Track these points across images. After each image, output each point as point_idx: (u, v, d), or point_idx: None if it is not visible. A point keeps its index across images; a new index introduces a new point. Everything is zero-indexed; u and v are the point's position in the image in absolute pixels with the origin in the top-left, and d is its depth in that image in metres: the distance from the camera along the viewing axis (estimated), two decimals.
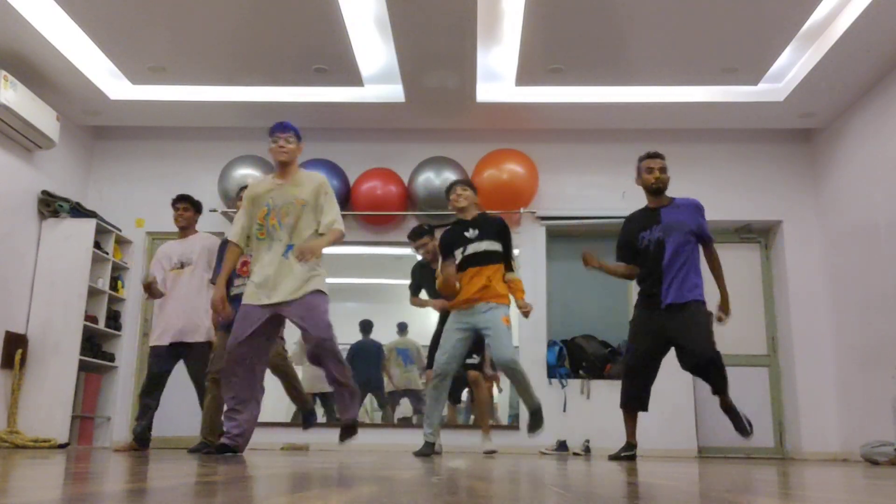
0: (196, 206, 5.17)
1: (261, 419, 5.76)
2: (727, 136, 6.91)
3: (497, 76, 6.23)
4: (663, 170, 4.39)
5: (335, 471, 2.27)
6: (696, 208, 4.37)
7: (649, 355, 4.31)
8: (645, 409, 4.39)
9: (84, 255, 6.22)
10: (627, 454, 4.36)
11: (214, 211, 6.76)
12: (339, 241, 4.03)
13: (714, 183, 6.80)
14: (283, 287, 3.88)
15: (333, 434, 6.65)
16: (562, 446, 6.12)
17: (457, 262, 4.57)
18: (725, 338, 6.51)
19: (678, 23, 5.24)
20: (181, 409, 6.64)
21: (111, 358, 6.62)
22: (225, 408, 4.06)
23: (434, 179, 6.51)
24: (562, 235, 6.99)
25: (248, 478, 1.83)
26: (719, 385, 4.19)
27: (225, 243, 4.66)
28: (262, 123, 6.91)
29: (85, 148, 7.02)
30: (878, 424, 5.54)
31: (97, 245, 6.40)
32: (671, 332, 4.20)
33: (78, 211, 6.43)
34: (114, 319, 6.68)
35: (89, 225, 6.33)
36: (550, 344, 6.64)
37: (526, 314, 4.60)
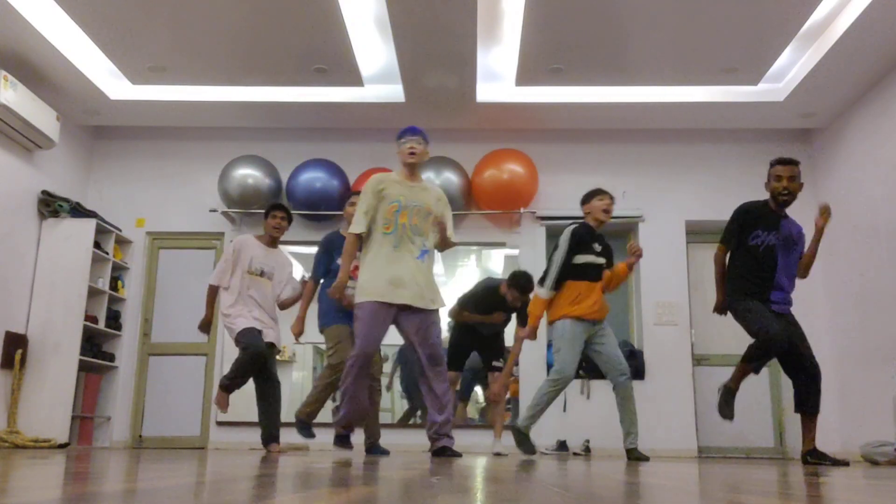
0: (290, 218, 5.16)
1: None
2: (727, 136, 6.92)
3: (497, 76, 6.23)
4: (794, 178, 4.19)
5: (335, 471, 2.27)
6: (802, 232, 4.34)
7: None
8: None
9: (84, 255, 6.22)
10: (836, 461, 4.15)
11: (214, 211, 6.76)
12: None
13: (714, 183, 6.80)
14: (415, 291, 3.88)
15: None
16: (562, 446, 6.11)
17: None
18: (725, 338, 6.56)
19: (678, 23, 5.24)
20: (181, 410, 6.66)
21: (111, 358, 6.62)
22: (344, 404, 4.02)
23: (434, 179, 6.51)
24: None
25: (247, 478, 1.83)
26: (816, 403, 4.10)
27: (330, 239, 4.79)
28: (262, 123, 6.93)
29: (85, 148, 7.02)
30: (878, 424, 5.54)
31: (97, 245, 6.40)
32: (790, 335, 4.11)
33: (78, 211, 6.43)
34: (114, 319, 6.68)
35: (89, 225, 6.33)
36: (550, 344, 6.63)
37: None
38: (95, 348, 6.45)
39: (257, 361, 4.80)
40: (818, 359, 6.53)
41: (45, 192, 6.31)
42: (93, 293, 6.32)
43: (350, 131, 7.01)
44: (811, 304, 6.58)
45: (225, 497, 1.25)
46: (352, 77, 6.10)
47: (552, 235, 6.91)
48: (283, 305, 5.09)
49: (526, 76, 6.04)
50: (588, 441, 6.21)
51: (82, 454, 4.13)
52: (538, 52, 5.67)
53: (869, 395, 5.83)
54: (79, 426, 6.31)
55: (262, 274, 4.99)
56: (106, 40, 5.63)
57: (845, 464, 4.13)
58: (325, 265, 4.80)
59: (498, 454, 5.16)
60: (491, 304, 5.11)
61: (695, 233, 6.85)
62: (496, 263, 7.70)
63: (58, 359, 6.01)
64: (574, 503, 1.28)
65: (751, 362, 4.10)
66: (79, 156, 6.92)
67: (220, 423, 6.50)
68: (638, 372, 6.44)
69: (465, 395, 6.39)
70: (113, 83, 6.31)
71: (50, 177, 6.43)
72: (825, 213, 4.19)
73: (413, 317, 3.90)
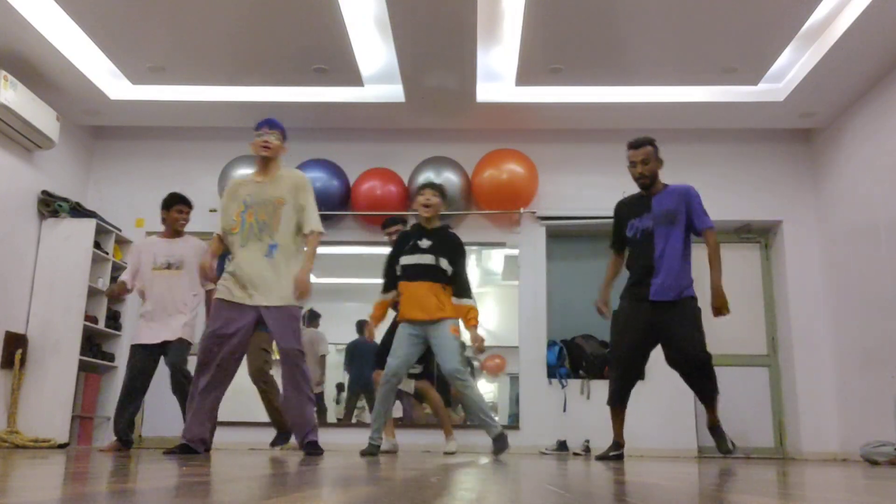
0: (190, 210, 5.17)
1: (259, 419, 5.78)
2: (727, 136, 6.91)
3: (497, 76, 6.23)
4: (646, 161, 4.15)
5: (334, 471, 2.27)
6: (686, 193, 4.14)
7: (637, 350, 4.13)
8: (624, 405, 4.30)
9: (84, 255, 6.22)
10: (616, 454, 4.25)
11: (214, 211, 6.76)
12: (317, 244, 4.06)
13: (714, 183, 6.80)
14: (266, 291, 3.90)
15: (333, 434, 6.66)
16: (562, 446, 6.12)
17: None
18: (725, 337, 6.56)
19: (678, 23, 5.24)
20: (181, 410, 6.64)
21: (111, 358, 6.62)
22: (194, 403, 3.98)
23: (434, 179, 6.51)
24: (562, 235, 6.99)
25: (248, 478, 1.83)
26: (706, 391, 4.03)
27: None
28: None
29: (85, 148, 7.02)
30: (878, 424, 5.54)
31: (97, 245, 6.40)
32: (659, 328, 4.03)
33: (78, 211, 6.43)
34: (114, 319, 6.68)
35: (89, 225, 6.33)
36: (550, 344, 6.64)
37: (479, 348, 4.51)
38: (95, 348, 6.45)
39: (135, 382, 4.84)
40: (819, 359, 6.56)
41: (45, 192, 6.31)
42: (93, 293, 6.32)
43: (350, 131, 7.01)
44: (811, 304, 6.58)
45: (225, 497, 1.25)
46: (352, 77, 6.10)
47: (552, 235, 6.92)
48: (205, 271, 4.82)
49: (526, 76, 6.04)
50: (588, 441, 6.21)
51: (82, 454, 4.13)
52: (538, 52, 5.67)
53: (869, 396, 5.82)
54: (79, 426, 6.31)
55: (169, 266, 4.91)
56: (106, 40, 5.63)
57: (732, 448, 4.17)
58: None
59: (448, 453, 5.13)
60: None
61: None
62: (496, 263, 7.70)
63: (58, 359, 6.01)
64: (574, 503, 1.28)
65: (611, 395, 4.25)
66: (79, 156, 6.92)
67: (219, 424, 6.48)
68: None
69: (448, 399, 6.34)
70: (113, 83, 6.31)
71: (50, 177, 6.43)
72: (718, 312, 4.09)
73: (270, 314, 3.92)
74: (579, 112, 6.55)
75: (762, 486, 1.84)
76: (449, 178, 6.55)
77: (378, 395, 4.53)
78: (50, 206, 6.30)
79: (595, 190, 6.80)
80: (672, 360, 4.07)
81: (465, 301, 4.52)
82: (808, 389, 6.41)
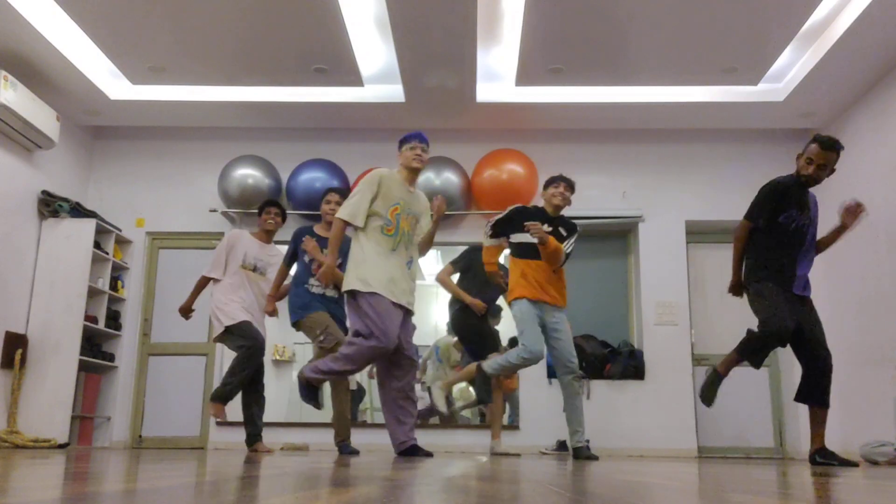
0: (284, 215, 5.23)
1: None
2: (727, 136, 6.91)
3: (497, 76, 6.23)
4: (824, 167, 3.92)
5: (335, 471, 2.27)
6: (817, 204, 4.14)
7: (795, 321, 3.88)
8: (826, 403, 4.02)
9: (84, 255, 6.22)
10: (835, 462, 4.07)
11: (214, 211, 6.76)
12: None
13: (714, 183, 6.80)
14: (406, 294, 3.96)
15: (332, 434, 6.66)
16: (562, 446, 6.11)
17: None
18: (725, 337, 6.55)
19: (678, 23, 5.24)
20: (180, 410, 6.65)
21: (111, 358, 6.62)
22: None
23: (434, 179, 6.51)
24: None
25: (247, 478, 1.83)
26: (825, 390, 3.94)
27: (300, 232, 4.82)
28: (261, 123, 6.93)
29: (85, 148, 7.02)
30: (878, 424, 5.54)
31: (97, 245, 6.40)
32: (803, 320, 3.94)
33: (78, 211, 6.43)
34: (114, 319, 6.68)
35: (89, 225, 6.33)
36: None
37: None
38: (95, 348, 6.45)
39: (259, 357, 4.82)
40: None
41: (45, 192, 6.31)
42: (93, 293, 6.32)
43: (350, 131, 7.01)
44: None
45: (225, 497, 1.25)
46: (352, 77, 6.10)
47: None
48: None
49: (526, 76, 6.04)
50: (588, 441, 6.20)
51: (82, 454, 4.13)
52: (538, 52, 5.66)
53: (869, 396, 5.82)
54: (79, 426, 6.31)
55: (255, 269, 5.01)
56: (106, 40, 5.63)
57: (854, 465, 4.09)
58: (290, 257, 4.87)
59: (498, 454, 5.15)
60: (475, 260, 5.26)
61: (695, 233, 6.85)
62: None
63: (58, 359, 6.01)
64: (574, 503, 1.28)
65: (746, 354, 3.88)
66: (79, 156, 6.92)
67: (219, 424, 6.49)
68: (638, 372, 6.45)
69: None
70: (113, 83, 6.31)
71: (50, 177, 6.43)
72: (855, 212, 3.98)
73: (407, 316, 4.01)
74: (579, 112, 6.55)
75: (762, 486, 1.84)
76: (449, 178, 6.55)
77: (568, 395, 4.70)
78: (50, 206, 6.30)
79: (595, 190, 6.80)
80: (806, 357, 3.98)
81: None
82: None
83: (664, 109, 6.44)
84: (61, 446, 5.70)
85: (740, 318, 6.67)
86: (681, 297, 6.64)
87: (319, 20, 5.24)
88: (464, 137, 6.92)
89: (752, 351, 3.88)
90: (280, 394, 7.31)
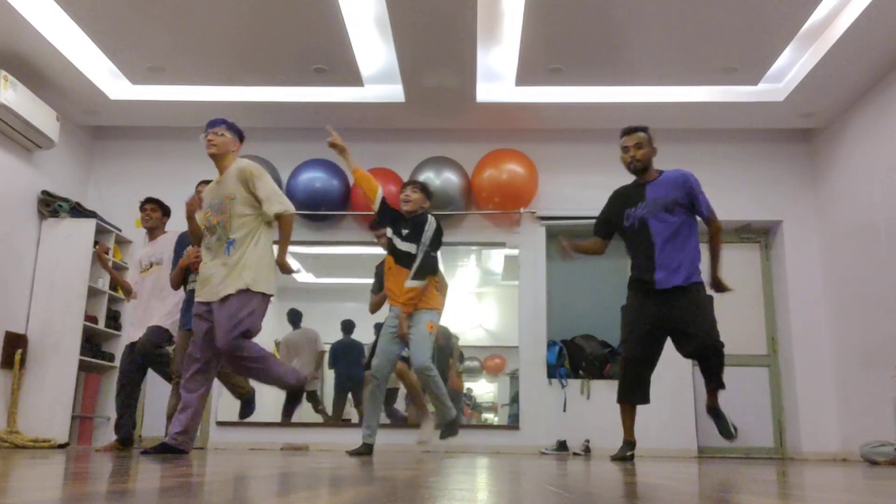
0: (164, 209, 5.25)
1: (260, 419, 5.79)
2: (727, 136, 6.91)
3: (497, 76, 6.23)
4: (639, 146, 4.06)
5: (334, 471, 2.27)
6: (682, 179, 4.02)
7: (648, 342, 4.03)
8: (646, 401, 4.13)
9: (84, 255, 6.22)
10: (630, 454, 4.14)
11: None
12: (292, 223, 3.96)
13: (714, 183, 6.75)
14: (210, 287, 3.84)
15: (333, 434, 6.67)
16: (562, 446, 6.12)
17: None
18: (725, 337, 6.53)
19: (678, 23, 5.24)
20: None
21: (111, 358, 6.62)
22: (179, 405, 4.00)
23: (434, 179, 6.51)
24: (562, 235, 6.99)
25: (246, 478, 1.83)
26: (717, 377, 3.95)
27: (181, 241, 4.82)
28: (261, 123, 6.93)
29: (85, 148, 7.02)
30: (878, 424, 5.54)
31: (97, 245, 6.39)
32: (670, 318, 3.94)
33: (78, 211, 6.43)
34: (114, 319, 6.68)
35: (89, 225, 6.33)
36: (550, 344, 6.64)
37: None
38: (95, 348, 6.45)
39: (123, 378, 4.97)
40: (818, 359, 6.56)
41: (45, 192, 6.30)
42: (93, 293, 6.32)
43: (350, 131, 6.97)
44: (811, 304, 6.58)
45: (225, 497, 1.25)
46: (352, 77, 6.10)
47: (552, 235, 6.91)
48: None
49: (526, 76, 6.04)
50: (588, 441, 6.21)
51: (82, 454, 4.13)
52: (538, 52, 5.66)
53: (869, 396, 5.82)
54: (79, 426, 6.31)
55: (151, 266, 5.08)
56: (106, 40, 5.63)
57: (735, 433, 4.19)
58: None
59: (422, 442, 5.23)
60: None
61: None
62: (496, 263, 7.70)
63: (57, 359, 6.01)
64: (574, 503, 1.28)
65: (620, 389, 4.11)
66: (79, 156, 6.92)
67: (219, 424, 6.50)
68: None
69: None
70: (113, 83, 6.31)
71: (50, 177, 6.43)
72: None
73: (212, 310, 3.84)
74: (579, 112, 6.55)
75: (762, 486, 1.84)
76: (449, 178, 6.55)
77: (365, 395, 4.62)
78: (50, 206, 6.30)
79: (595, 190, 6.75)
80: (685, 350, 3.98)
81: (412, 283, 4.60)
82: (808, 389, 6.41)
83: (664, 109, 6.44)
84: (61, 446, 5.70)
85: (739, 318, 6.71)
86: None
87: (319, 20, 5.24)
88: (464, 137, 6.92)
89: (622, 384, 4.12)
90: (279, 394, 7.29)
